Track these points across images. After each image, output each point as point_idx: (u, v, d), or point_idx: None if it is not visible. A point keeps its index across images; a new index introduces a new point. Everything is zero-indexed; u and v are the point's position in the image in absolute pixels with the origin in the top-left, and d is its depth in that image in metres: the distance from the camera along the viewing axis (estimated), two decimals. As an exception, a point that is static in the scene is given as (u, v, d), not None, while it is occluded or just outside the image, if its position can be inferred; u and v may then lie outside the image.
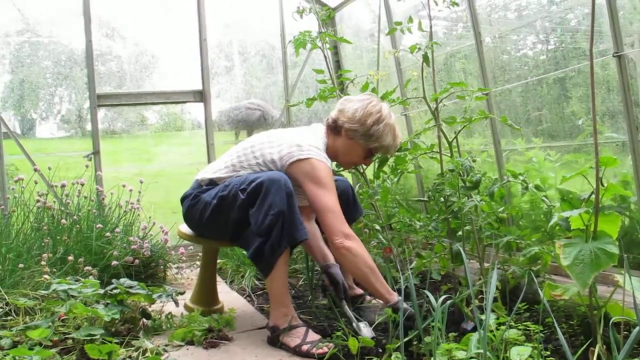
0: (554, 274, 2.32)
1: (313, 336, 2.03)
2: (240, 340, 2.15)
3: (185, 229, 2.51)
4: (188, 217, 2.40)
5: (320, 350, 1.93)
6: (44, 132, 4.27)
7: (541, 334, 1.82)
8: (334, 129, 2.31)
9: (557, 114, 2.73)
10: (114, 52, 4.14)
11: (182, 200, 2.41)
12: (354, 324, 2.09)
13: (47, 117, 4.22)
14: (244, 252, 2.26)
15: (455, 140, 2.27)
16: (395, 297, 2.06)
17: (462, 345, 1.67)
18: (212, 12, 3.99)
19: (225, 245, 2.70)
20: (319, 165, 2.14)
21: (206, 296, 2.54)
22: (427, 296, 1.66)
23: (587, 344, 1.62)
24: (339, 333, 1.96)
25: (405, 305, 1.96)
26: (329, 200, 2.11)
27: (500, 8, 3.19)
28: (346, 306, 2.17)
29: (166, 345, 2.07)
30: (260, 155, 2.24)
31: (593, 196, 1.67)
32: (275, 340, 2.07)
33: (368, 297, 2.51)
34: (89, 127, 3.94)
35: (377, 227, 2.65)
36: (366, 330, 2.05)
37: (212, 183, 2.30)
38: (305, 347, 1.97)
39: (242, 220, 2.12)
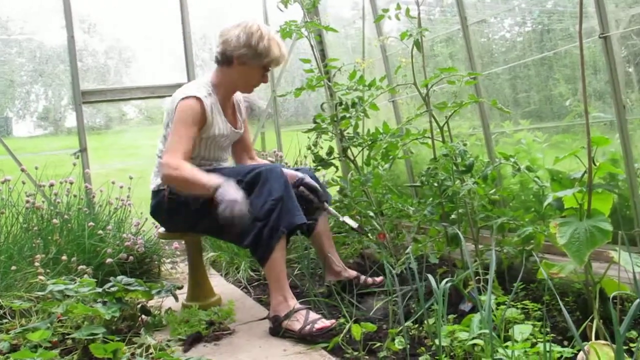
0: (546, 253, 2.37)
1: (314, 316, 2.06)
2: (242, 332, 2.16)
3: (163, 229, 2.55)
4: (168, 221, 2.46)
5: (322, 325, 1.97)
6: (22, 130, 4.17)
7: (539, 312, 1.87)
8: (225, 61, 2.32)
9: (545, 95, 2.76)
10: (94, 48, 4.06)
11: (153, 213, 2.48)
12: (340, 219, 2.39)
13: (24, 116, 4.12)
14: (239, 244, 2.27)
15: (446, 125, 2.29)
16: (214, 182, 2.07)
17: (464, 327, 1.70)
18: (194, 4, 3.94)
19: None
20: (180, 105, 2.23)
21: (201, 290, 2.53)
22: (427, 279, 1.69)
23: (587, 320, 1.66)
24: (342, 320, 1.97)
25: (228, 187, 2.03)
26: (171, 140, 2.20)
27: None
28: (329, 207, 2.37)
29: (169, 341, 2.07)
30: (163, 133, 2.37)
31: (585, 175, 1.71)
32: (277, 329, 2.08)
33: (362, 277, 2.53)
34: (67, 124, 3.88)
35: (371, 213, 2.68)
36: (351, 222, 2.36)
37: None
38: (308, 328, 2.00)
39: None
